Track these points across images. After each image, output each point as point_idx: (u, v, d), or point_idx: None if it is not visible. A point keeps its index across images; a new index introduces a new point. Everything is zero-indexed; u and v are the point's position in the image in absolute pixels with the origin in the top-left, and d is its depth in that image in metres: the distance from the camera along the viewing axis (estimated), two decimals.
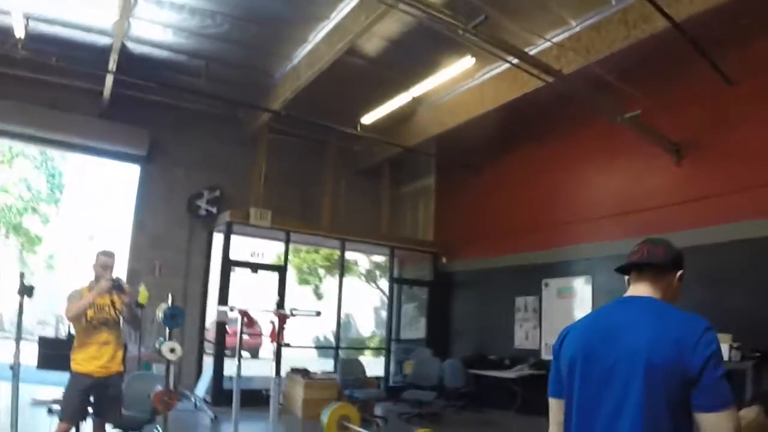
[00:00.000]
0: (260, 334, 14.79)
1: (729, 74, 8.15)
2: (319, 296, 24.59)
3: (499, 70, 9.76)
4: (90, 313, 5.11)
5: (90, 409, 5.23)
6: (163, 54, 9.88)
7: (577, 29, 8.41)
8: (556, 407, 2.26)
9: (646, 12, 7.08)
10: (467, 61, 9.16)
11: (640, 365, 1.92)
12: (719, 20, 7.41)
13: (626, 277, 2.29)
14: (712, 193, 8.53)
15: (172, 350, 5.50)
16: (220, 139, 12.23)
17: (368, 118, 11.56)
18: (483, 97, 10.36)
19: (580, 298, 10.45)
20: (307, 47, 9.36)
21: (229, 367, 10.23)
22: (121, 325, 5.42)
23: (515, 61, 7.60)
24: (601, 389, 2.02)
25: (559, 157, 11.16)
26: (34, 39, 8.62)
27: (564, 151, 11.07)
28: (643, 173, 9.70)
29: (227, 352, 10.83)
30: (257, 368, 10.68)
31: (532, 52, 8.10)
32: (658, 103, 8.43)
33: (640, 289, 2.19)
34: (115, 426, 5.84)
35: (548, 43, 8.31)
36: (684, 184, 9.05)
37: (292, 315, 5.95)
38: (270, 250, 13.53)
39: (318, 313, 6.34)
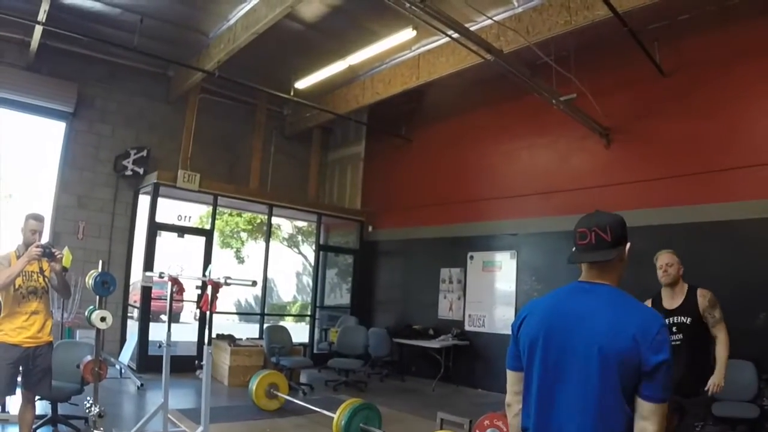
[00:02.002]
0: (183, 300, 14.49)
1: (662, 66, 8.46)
2: (240, 260, 24.28)
3: (437, 43, 9.78)
4: (18, 281, 4.87)
5: (19, 381, 5.03)
6: (95, 6, 9.38)
7: (519, 10, 8.48)
8: (514, 378, 2.37)
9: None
10: (408, 33, 9.13)
11: (596, 353, 2.03)
12: (658, 15, 7.66)
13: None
14: (637, 178, 8.91)
15: (103, 319, 5.32)
16: (150, 97, 11.86)
17: (302, 84, 11.44)
18: (419, 70, 10.35)
19: (505, 271, 10.70)
20: (245, 8, 9.08)
21: (154, 333, 10.07)
22: (50, 293, 5.21)
23: (456, 36, 7.60)
24: (559, 372, 2.14)
25: (488, 132, 11.31)
26: None
27: (494, 127, 11.23)
28: (572, 154, 9.98)
29: (150, 317, 10.61)
30: (180, 333, 10.50)
31: (472, 29, 8.11)
32: (591, 88, 8.62)
33: (595, 274, 2.25)
34: (44, 398, 5.67)
35: (489, 21, 8.33)
36: (611, 168, 9.38)
37: (227, 284, 5.82)
38: (194, 212, 13.24)
39: (254, 283, 6.24)
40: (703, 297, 4.54)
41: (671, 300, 4.69)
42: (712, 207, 8.09)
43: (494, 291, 10.85)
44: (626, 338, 2.00)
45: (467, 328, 11.05)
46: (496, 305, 10.73)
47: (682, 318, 4.56)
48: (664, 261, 4.72)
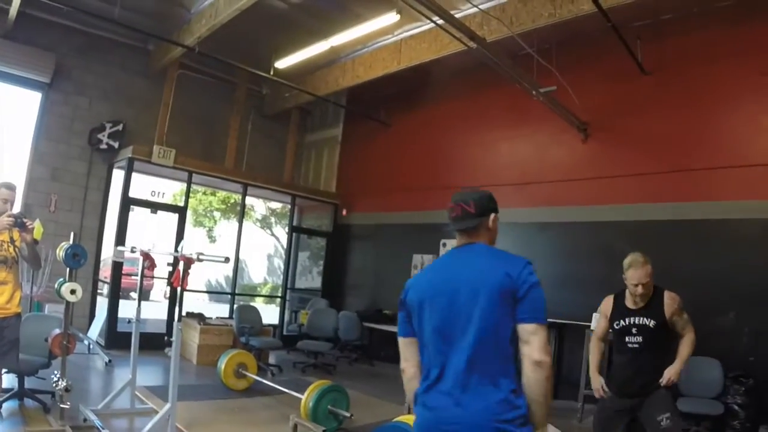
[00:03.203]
0: (153, 276, 14.38)
1: (644, 64, 8.53)
2: (212, 239, 24.13)
3: (420, 29, 9.75)
4: None
5: None
6: None
7: (503, 0, 8.47)
8: (407, 344, 2.62)
9: None
10: (391, 17, 9.09)
11: (479, 289, 2.34)
12: (641, 12, 7.72)
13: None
14: (613, 174, 9.02)
15: (73, 291, 5.26)
16: (128, 71, 11.69)
17: (282, 63, 11.34)
18: (400, 55, 10.31)
19: None
20: None
21: (124, 309, 9.97)
22: (20, 263, 5.12)
23: (440, 22, 7.58)
24: (446, 314, 2.42)
25: (467, 121, 11.34)
26: None
27: (473, 116, 11.25)
28: (549, 146, 10.03)
29: (120, 293, 10.51)
30: (150, 311, 10.43)
31: (457, 16, 8.08)
32: (572, 82, 8.67)
33: (465, 240, 2.58)
34: (11, 371, 5.59)
35: (474, 9, 8.32)
36: (587, 162, 9.46)
37: (199, 260, 5.76)
38: (169, 189, 13.10)
39: (226, 260, 6.18)
40: (672, 300, 4.26)
41: (635, 300, 4.35)
42: (686, 205, 8.20)
43: None
44: (500, 275, 2.32)
45: None
46: None
47: (645, 320, 4.27)
48: (640, 278, 4.24)
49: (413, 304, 2.54)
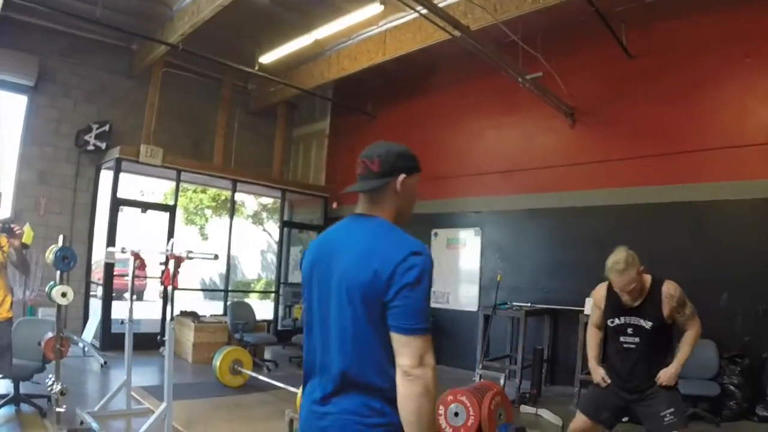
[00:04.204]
0: (146, 276, 14.37)
1: (629, 49, 8.54)
2: (204, 237, 24.12)
3: (404, 19, 9.71)
4: None
5: None
6: None
7: None
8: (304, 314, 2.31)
9: None
10: (375, 8, 9.06)
11: (345, 286, 2.01)
12: None
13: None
14: (601, 158, 9.04)
15: (64, 294, 5.24)
16: (113, 70, 11.61)
17: (267, 58, 11.27)
18: (385, 46, 10.28)
19: (469, 249, 10.77)
20: None
21: (118, 310, 9.95)
22: (9, 269, 5.12)
23: (424, 11, 7.56)
24: (324, 307, 2.11)
25: (454, 110, 11.31)
26: None
27: (460, 105, 11.22)
28: (537, 133, 10.04)
29: (113, 294, 10.49)
30: (144, 311, 10.42)
31: (440, 5, 8.07)
32: (558, 68, 8.69)
33: (366, 205, 2.18)
34: (5, 376, 5.59)
35: None
36: (575, 148, 9.47)
37: (189, 258, 5.76)
38: (158, 188, 13.08)
39: (216, 257, 6.19)
40: (670, 297, 3.95)
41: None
42: (677, 188, 8.21)
43: (458, 268, 10.92)
44: (368, 271, 1.95)
45: (432, 304, 11.07)
46: (461, 282, 10.80)
47: (641, 321, 4.02)
48: (622, 286, 3.98)
49: (304, 274, 2.26)
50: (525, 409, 7.49)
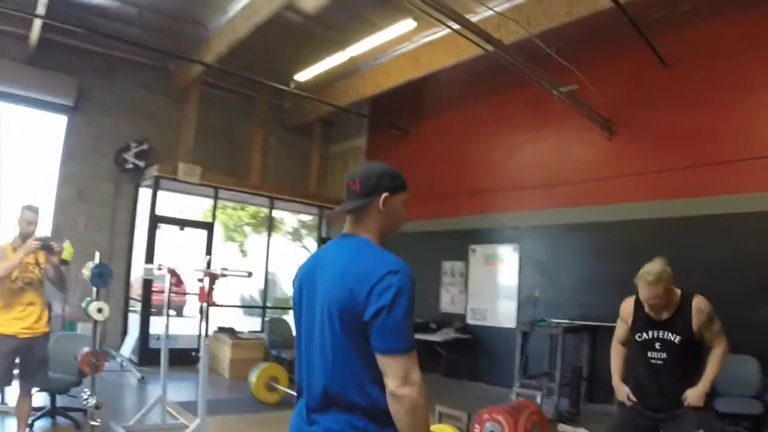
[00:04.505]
0: (185, 293, 14.56)
1: (664, 57, 8.39)
2: (244, 254, 24.29)
3: (437, 35, 9.71)
4: (15, 272, 4.88)
5: (15, 372, 5.05)
6: None
7: (520, 0, 8.42)
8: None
9: None
10: (408, 24, 9.11)
11: (326, 305, 2.03)
12: (659, 4, 7.58)
13: None
14: (640, 170, 8.84)
15: (100, 310, 5.31)
16: (150, 90, 11.83)
17: (302, 76, 11.41)
18: (419, 61, 10.31)
19: (507, 265, 10.64)
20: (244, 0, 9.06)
21: (156, 326, 10.07)
22: (45, 283, 5.21)
23: (456, 27, 7.55)
24: (309, 324, 2.14)
25: (490, 124, 11.24)
26: None
27: (495, 119, 11.15)
28: (573, 146, 9.90)
29: (152, 310, 10.61)
30: (183, 326, 10.54)
31: (473, 20, 8.06)
32: (593, 79, 8.54)
33: (351, 225, 2.21)
34: (42, 389, 5.68)
35: (490, 12, 8.27)
36: (613, 160, 9.30)
37: (223, 275, 5.83)
38: (197, 206, 13.23)
39: (249, 274, 6.26)
40: (700, 312, 3.82)
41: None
42: (716, 199, 8.00)
43: (496, 284, 10.81)
44: (344, 290, 1.96)
45: (469, 321, 11.00)
46: (499, 299, 10.67)
47: (669, 335, 3.88)
48: (648, 298, 3.86)
49: (294, 293, 2.30)
50: (563, 427, 7.33)
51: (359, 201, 2.15)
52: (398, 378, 1.89)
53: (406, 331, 1.93)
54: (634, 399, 4.06)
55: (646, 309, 3.93)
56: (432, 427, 4.62)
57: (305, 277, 2.24)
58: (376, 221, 2.18)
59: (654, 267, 3.82)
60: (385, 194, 2.16)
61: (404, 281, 1.96)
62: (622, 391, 4.14)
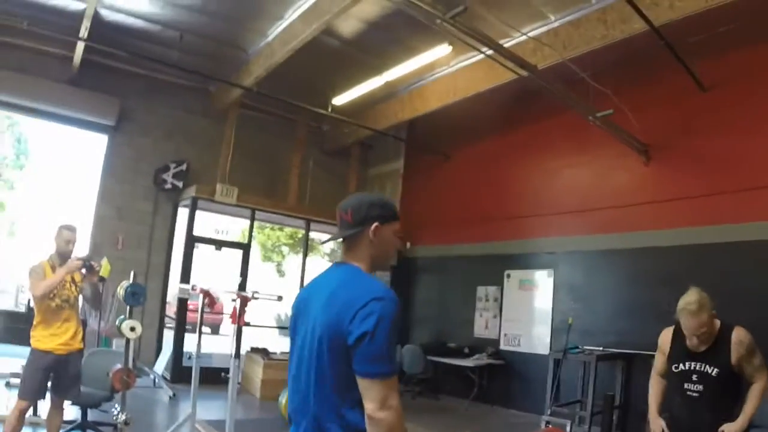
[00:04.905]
0: (221, 312, 14.72)
1: (702, 81, 8.28)
2: (281, 274, 24.49)
3: (474, 59, 9.69)
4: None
5: (49, 386, 5.17)
6: (136, 23, 9.63)
7: (556, 24, 8.40)
8: None
9: (625, 13, 7.14)
10: (443, 49, 9.16)
11: (317, 332, 2.11)
12: (696, 27, 7.48)
13: None
14: (678, 196, 8.70)
15: (133, 329, 5.40)
16: (190, 111, 12.07)
17: (340, 99, 11.51)
18: (456, 86, 10.34)
19: (542, 290, 10.54)
20: (283, 24, 9.19)
21: (190, 344, 10.17)
22: (80, 300, 5.35)
23: (490, 52, 7.57)
24: (302, 351, 2.23)
25: (526, 150, 11.22)
26: (4, 1, 8.39)
27: (531, 144, 11.13)
28: (610, 171, 9.81)
29: (188, 327, 10.71)
30: (217, 345, 10.63)
31: (508, 45, 8.06)
32: (629, 104, 8.47)
33: (344, 253, 2.31)
34: (74, 403, 5.79)
35: (525, 37, 8.28)
36: (650, 185, 9.18)
37: (254, 298, 5.91)
38: (234, 226, 13.39)
39: (280, 298, 6.30)
40: (740, 344, 3.71)
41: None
42: (756, 225, 7.80)
43: (531, 310, 10.70)
44: (331, 316, 2.06)
45: (503, 347, 10.91)
46: (533, 324, 10.56)
47: (707, 368, 3.78)
48: (692, 329, 3.75)
49: (291, 317, 2.40)
50: None
51: (350, 230, 2.25)
52: (377, 401, 1.96)
53: (387, 356, 2.01)
54: None
55: (694, 342, 3.82)
56: None
57: (301, 304, 2.35)
58: (367, 250, 2.27)
59: (692, 296, 3.75)
60: (375, 224, 2.24)
61: (386, 308, 2.04)
62: (658, 425, 4.07)
